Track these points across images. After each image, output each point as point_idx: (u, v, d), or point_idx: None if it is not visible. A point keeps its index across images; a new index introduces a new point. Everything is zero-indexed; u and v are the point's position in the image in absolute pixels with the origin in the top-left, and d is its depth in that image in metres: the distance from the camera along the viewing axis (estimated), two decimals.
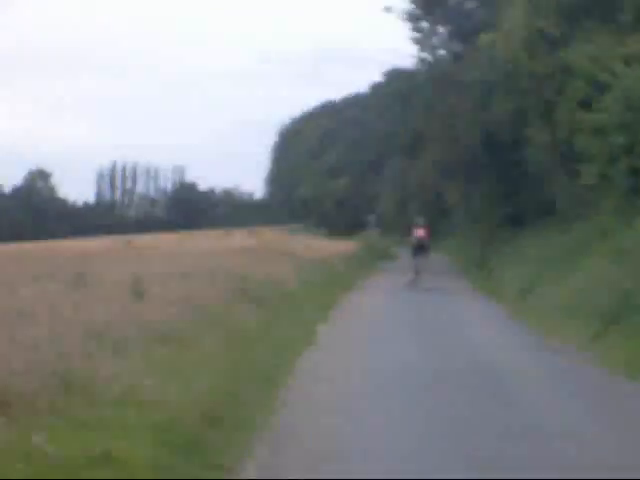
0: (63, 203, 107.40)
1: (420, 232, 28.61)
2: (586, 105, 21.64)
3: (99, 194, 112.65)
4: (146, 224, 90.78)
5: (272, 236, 45.77)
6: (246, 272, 20.10)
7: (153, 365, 9.51)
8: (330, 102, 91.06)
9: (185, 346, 11.07)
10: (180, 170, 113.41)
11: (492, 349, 14.73)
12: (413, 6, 37.02)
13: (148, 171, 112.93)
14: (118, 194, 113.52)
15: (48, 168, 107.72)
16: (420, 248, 28.17)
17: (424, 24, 37.64)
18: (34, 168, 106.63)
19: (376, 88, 64.93)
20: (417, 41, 38.01)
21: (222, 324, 13.45)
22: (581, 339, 14.26)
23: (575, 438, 8.37)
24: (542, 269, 21.88)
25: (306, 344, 14.39)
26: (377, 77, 69.05)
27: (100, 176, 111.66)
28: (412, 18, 37.24)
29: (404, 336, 16.37)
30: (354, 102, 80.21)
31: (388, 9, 37.01)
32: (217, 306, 14.81)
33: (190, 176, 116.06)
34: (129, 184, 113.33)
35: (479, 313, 20.77)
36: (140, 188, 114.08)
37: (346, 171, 74.81)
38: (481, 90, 32.10)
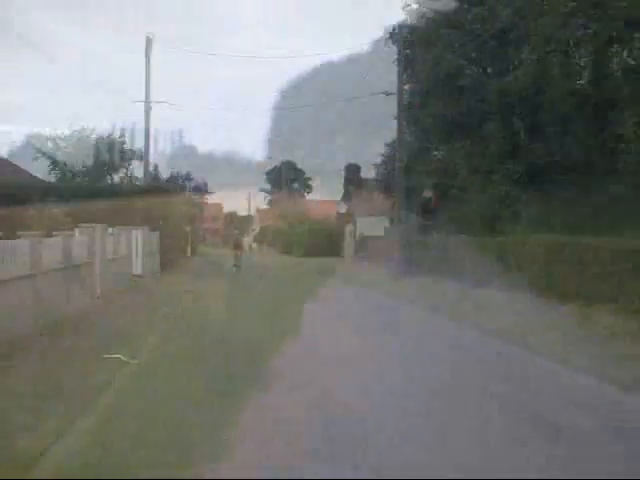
0: None
1: None
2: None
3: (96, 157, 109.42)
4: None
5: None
6: None
7: None
8: (329, 62, 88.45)
9: None
10: (179, 132, 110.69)
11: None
12: None
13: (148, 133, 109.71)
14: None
15: None
16: None
17: None
18: None
19: (377, 45, 61.77)
20: None
21: None
22: None
23: None
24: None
25: None
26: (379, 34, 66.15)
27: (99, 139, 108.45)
28: None
29: None
30: (355, 59, 77.48)
31: None
32: None
33: (189, 139, 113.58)
34: (128, 145, 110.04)
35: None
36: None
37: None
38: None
